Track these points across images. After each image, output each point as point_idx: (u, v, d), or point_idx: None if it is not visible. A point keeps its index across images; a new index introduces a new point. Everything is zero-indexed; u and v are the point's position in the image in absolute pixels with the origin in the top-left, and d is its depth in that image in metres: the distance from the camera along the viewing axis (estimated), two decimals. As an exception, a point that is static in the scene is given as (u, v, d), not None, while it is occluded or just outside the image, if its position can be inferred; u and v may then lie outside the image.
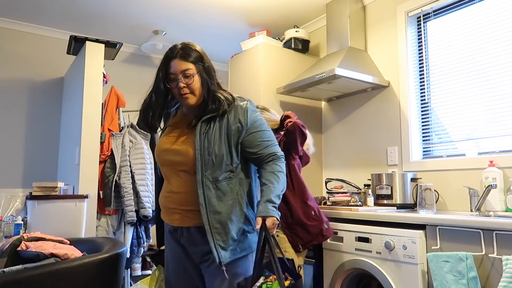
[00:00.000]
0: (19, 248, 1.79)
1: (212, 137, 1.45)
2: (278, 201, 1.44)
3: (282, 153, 1.55)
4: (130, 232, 2.87)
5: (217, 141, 1.44)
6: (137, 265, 3.50)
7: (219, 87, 1.53)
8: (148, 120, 1.57)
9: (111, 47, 3.07)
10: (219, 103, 1.48)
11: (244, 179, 1.50)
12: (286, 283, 1.33)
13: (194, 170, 1.44)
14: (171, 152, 1.50)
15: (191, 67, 1.46)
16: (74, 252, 1.81)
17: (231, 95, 1.53)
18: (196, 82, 1.47)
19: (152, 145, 3.14)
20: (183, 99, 1.49)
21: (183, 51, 1.47)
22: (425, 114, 2.61)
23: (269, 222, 1.37)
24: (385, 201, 2.44)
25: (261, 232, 1.38)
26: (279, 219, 1.41)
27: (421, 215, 1.85)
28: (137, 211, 2.83)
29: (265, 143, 1.50)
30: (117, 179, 2.85)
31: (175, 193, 1.49)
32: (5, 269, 1.56)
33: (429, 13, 2.63)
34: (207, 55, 1.54)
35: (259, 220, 1.38)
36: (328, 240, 2.17)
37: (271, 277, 1.36)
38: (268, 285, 1.34)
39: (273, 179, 1.46)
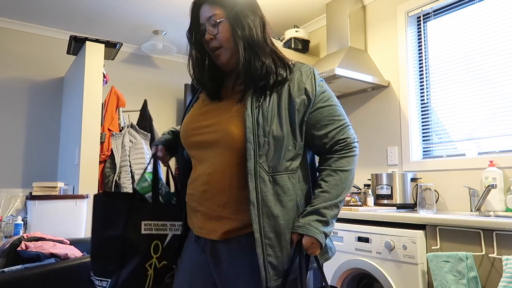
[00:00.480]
0: (19, 248, 1.79)
1: (268, 112, 1.05)
2: (330, 213, 1.06)
3: (356, 138, 1.15)
4: (130, 232, 2.87)
5: (275, 118, 1.05)
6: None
7: (269, 45, 1.13)
8: (205, 85, 1.17)
9: (111, 47, 3.07)
10: (271, 66, 1.09)
11: (303, 173, 1.11)
12: None
13: (240, 154, 1.04)
14: (202, 130, 1.10)
15: (218, 12, 1.10)
16: (74, 252, 1.81)
17: (288, 60, 1.15)
18: (224, 31, 1.09)
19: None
20: (214, 56, 1.13)
21: None
22: (425, 114, 2.61)
23: (306, 241, 1.03)
24: (385, 201, 2.44)
25: (294, 253, 1.04)
26: (322, 242, 1.04)
27: (421, 215, 1.85)
28: (137, 211, 2.83)
29: (336, 123, 1.11)
30: (117, 179, 2.85)
31: (203, 189, 1.09)
32: (5, 269, 1.56)
33: (429, 13, 2.63)
34: (257, 5, 1.14)
35: (294, 237, 1.04)
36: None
37: None
38: None
39: (332, 180, 1.08)
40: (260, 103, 1.05)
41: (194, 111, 1.18)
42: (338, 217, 2.20)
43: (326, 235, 1.06)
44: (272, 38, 1.19)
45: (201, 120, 1.12)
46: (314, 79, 1.11)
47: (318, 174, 1.15)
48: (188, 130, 1.14)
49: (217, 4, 1.10)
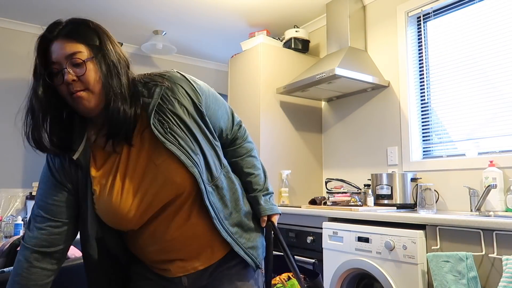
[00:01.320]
0: (19, 248, 1.79)
1: (180, 131, 0.99)
2: (270, 185, 1.23)
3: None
4: (130, 232, 2.86)
5: (190, 135, 1.00)
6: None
7: (134, 76, 1.03)
8: (43, 144, 0.96)
9: (111, 47, 3.06)
10: (145, 97, 0.99)
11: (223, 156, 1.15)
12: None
13: (191, 190, 1.01)
14: (154, 193, 0.98)
15: (81, 50, 0.93)
16: (74, 252, 1.81)
17: (154, 79, 1.02)
18: (92, 72, 0.93)
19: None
20: (76, 101, 0.93)
21: (69, 27, 0.94)
22: (425, 114, 2.61)
23: (275, 219, 1.20)
24: (385, 201, 2.44)
25: (269, 231, 1.21)
26: (280, 212, 1.24)
27: (421, 215, 1.85)
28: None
29: (228, 112, 1.17)
30: (117, 179, 2.85)
31: (175, 237, 1.03)
32: (5, 269, 1.56)
33: (429, 13, 2.63)
34: (113, 38, 1.01)
35: (265, 218, 1.17)
36: (328, 240, 2.17)
37: (277, 278, 1.27)
38: (277, 287, 1.21)
39: (257, 163, 1.21)
40: (170, 130, 0.97)
41: (107, 187, 1.00)
42: (338, 217, 2.20)
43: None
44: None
45: (137, 190, 0.99)
46: (192, 82, 1.04)
47: (236, 163, 1.20)
48: (128, 216, 0.98)
49: (79, 40, 0.93)
